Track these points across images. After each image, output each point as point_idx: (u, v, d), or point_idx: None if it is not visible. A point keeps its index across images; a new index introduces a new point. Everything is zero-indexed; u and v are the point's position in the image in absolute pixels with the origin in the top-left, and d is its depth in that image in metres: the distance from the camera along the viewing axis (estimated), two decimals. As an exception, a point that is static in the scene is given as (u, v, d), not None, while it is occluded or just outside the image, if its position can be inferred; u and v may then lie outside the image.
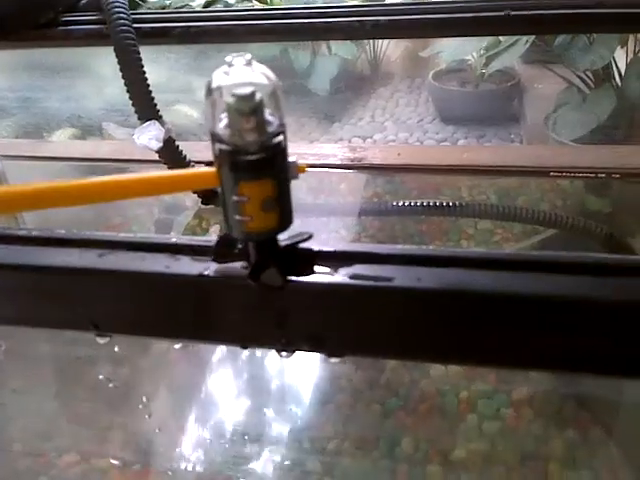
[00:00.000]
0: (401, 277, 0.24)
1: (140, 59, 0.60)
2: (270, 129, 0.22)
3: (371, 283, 0.24)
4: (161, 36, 0.63)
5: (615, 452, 0.66)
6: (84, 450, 0.69)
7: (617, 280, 0.22)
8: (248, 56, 0.22)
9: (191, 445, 0.71)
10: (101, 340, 0.28)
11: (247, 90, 0.21)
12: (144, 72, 0.60)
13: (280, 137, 0.22)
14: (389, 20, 0.56)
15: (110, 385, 0.72)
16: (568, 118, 1.71)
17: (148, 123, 0.58)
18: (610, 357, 0.22)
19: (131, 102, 0.61)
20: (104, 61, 0.62)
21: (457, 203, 0.67)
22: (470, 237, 0.84)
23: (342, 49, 2.45)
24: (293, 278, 0.24)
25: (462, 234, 0.84)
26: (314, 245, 0.25)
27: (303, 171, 0.23)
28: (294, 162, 0.23)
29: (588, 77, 1.74)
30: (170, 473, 0.70)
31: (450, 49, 2.09)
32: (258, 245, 0.25)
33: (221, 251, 0.25)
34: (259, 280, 0.25)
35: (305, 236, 0.25)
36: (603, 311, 0.22)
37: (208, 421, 0.73)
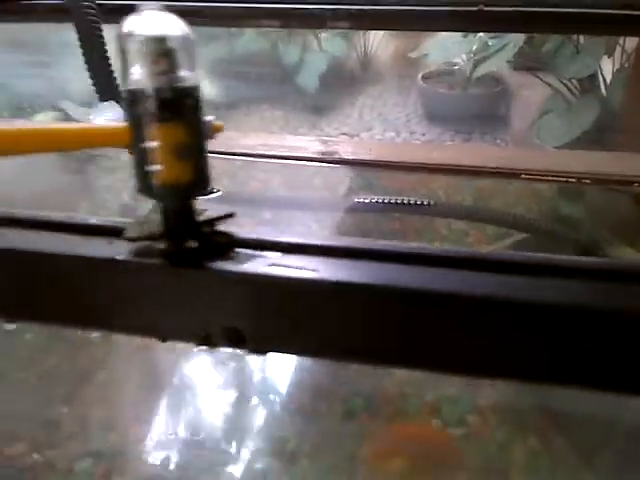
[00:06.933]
0: (324, 269, 0.22)
1: (102, 37, 0.57)
2: (181, 74, 0.22)
3: (294, 273, 0.22)
4: (127, 13, 0.61)
5: (576, 460, 0.65)
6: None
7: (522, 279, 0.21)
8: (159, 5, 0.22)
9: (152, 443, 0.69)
10: (9, 326, 0.26)
11: (157, 32, 0.21)
12: (106, 51, 0.58)
13: (192, 81, 0.22)
14: (359, 10, 0.54)
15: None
16: (552, 125, 1.71)
17: (107, 104, 0.56)
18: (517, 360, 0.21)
19: (91, 82, 0.59)
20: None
21: (427, 202, 0.66)
22: (444, 238, 0.83)
23: (332, 45, 2.44)
24: (213, 266, 0.23)
25: (436, 234, 0.83)
26: (236, 231, 0.23)
27: (220, 129, 0.23)
28: (210, 121, 0.23)
29: (574, 85, 1.74)
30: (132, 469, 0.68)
31: (436, 51, 2.08)
32: (174, 215, 0.23)
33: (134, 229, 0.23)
34: (177, 265, 0.23)
35: (226, 212, 0.23)
36: (481, 306, 0.20)
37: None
